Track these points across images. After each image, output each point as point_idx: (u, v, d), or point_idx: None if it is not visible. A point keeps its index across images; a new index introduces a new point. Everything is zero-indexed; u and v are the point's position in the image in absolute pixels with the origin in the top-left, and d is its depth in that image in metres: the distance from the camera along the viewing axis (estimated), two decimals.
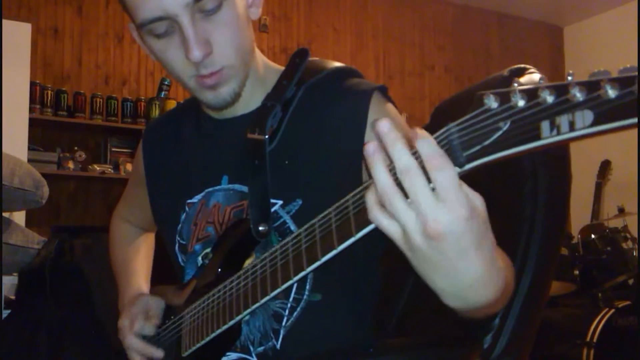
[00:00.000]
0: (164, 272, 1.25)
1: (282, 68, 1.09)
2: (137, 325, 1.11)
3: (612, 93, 0.48)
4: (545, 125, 0.52)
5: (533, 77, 1.04)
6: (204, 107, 1.11)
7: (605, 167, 4.77)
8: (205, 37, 0.94)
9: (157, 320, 1.12)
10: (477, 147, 0.57)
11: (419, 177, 0.58)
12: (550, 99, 0.52)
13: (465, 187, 0.60)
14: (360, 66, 1.04)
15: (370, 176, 0.62)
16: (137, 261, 1.31)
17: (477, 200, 0.61)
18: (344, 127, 1.00)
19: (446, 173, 0.58)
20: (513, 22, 6.10)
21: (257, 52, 1.09)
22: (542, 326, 1.06)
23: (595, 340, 3.18)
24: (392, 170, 0.60)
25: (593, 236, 3.75)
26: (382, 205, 0.62)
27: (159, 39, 0.96)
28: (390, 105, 1.04)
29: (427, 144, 0.58)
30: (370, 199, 0.63)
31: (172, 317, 1.10)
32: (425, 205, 0.58)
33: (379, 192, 0.61)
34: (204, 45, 0.94)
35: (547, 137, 0.52)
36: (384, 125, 0.60)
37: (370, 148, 0.61)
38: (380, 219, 0.62)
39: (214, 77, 0.97)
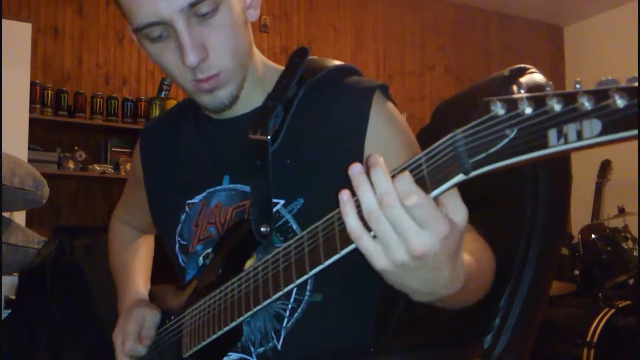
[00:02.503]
0: (165, 272, 1.24)
1: (282, 68, 1.09)
2: (127, 346, 1.10)
3: (620, 103, 0.48)
4: (552, 133, 0.52)
5: (534, 77, 1.04)
6: (203, 108, 1.11)
7: (605, 167, 4.77)
8: (200, 42, 0.94)
9: (149, 340, 1.11)
10: (484, 155, 0.57)
11: (396, 205, 0.62)
12: (557, 107, 0.51)
13: (450, 199, 0.64)
14: (361, 66, 1.04)
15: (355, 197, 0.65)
16: (136, 264, 1.30)
17: (458, 215, 0.65)
18: (346, 126, 1.00)
19: (422, 208, 0.61)
20: (513, 22, 6.10)
21: (257, 52, 1.09)
22: (542, 326, 1.06)
23: (595, 340, 3.18)
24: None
25: (593, 236, 3.74)
26: (365, 227, 0.65)
27: (155, 43, 0.96)
28: (391, 104, 1.03)
29: (402, 182, 0.62)
30: (352, 223, 0.66)
31: (172, 318, 1.09)
32: (407, 230, 0.62)
33: (366, 212, 0.64)
34: (199, 49, 0.93)
35: (555, 146, 0.52)
36: (372, 158, 0.64)
37: (355, 170, 0.65)
38: (362, 240, 0.66)
39: (210, 81, 0.97)
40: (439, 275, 0.67)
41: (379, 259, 0.66)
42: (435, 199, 0.63)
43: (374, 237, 0.65)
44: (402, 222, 0.62)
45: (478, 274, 0.81)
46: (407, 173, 0.62)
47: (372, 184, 0.63)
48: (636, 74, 0.48)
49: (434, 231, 0.62)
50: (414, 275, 0.67)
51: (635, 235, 3.81)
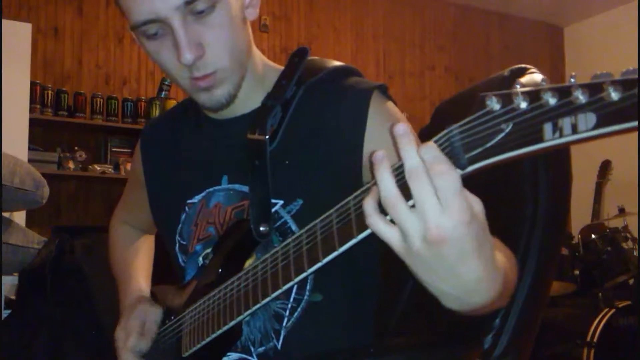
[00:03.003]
0: (165, 272, 1.25)
1: (282, 68, 1.09)
2: (131, 342, 1.10)
3: (614, 95, 0.48)
4: (547, 127, 0.52)
5: (534, 77, 1.04)
6: (202, 107, 1.11)
7: (605, 167, 4.76)
8: (197, 40, 0.93)
9: (152, 335, 1.11)
10: (479, 150, 0.57)
11: (425, 180, 0.59)
12: (552, 101, 0.51)
13: (466, 192, 0.61)
14: (361, 66, 1.04)
15: (374, 181, 0.63)
16: (137, 263, 1.30)
17: (477, 204, 0.62)
18: (344, 126, 1.00)
19: (449, 178, 0.58)
20: (513, 22, 6.10)
21: (256, 51, 1.08)
22: (542, 326, 1.06)
23: (595, 340, 3.18)
24: (397, 177, 0.62)
25: (593, 236, 3.74)
26: (381, 212, 0.63)
27: (152, 40, 0.96)
28: (390, 104, 1.03)
29: (430, 150, 0.59)
30: (369, 204, 0.64)
31: (172, 318, 1.09)
32: (430, 209, 0.59)
33: (383, 196, 0.61)
34: (195, 48, 0.93)
35: (550, 140, 0.52)
36: (399, 128, 0.61)
37: (380, 155, 0.62)
38: (379, 225, 0.63)
39: (207, 80, 0.97)
40: (464, 270, 0.63)
41: (395, 244, 0.63)
42: None
43: (392, 221, 0.63)
44: (425, 199, 0.59)
45: (513, 278, 0.76)
46: (433, 145, 0.60)
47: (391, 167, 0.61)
48: (630, 67, 0.48)
49: (455, 213, 0.59)
50: (435, 269, 0.63)
51: (635, 235, 3.81)
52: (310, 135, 1.02)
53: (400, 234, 0.62)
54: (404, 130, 0.61)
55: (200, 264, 1.09)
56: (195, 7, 0.92)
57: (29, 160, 3.57)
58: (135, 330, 1.11)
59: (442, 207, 0.59)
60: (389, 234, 0.63)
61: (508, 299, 0.79)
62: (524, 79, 1.04)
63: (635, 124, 0.48)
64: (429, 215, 0.59)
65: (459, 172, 0.59)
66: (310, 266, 0.76)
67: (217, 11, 0.94)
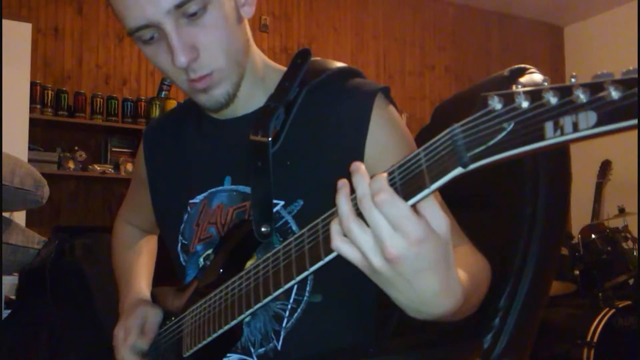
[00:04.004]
0: (166, 272, 1.25)
1: (283, 68, 1.09)
2: (130, 340, 1.10)
3: (615, 94, 0.48)
4: (549, 126, 0.52)
5: (534, 77, 1.04)
6: (202, 107, 1.11)
7: (605, 167, 4.77)
8: (190, 43, 0.94)
9: (152, 334, 1.11)
10: (482, 148, 0.57)
11: (372, 206, 0.64)
12: (553, 100, 0.52)
13: (429, 208, 0.64)
14: (361, 66, 1.04)
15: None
16: (139, 264, 1.30)
17: (437, 221, 0.65)
18: (347, 128, 1.00)
19: (392, 207, 0.63)
20: (513, 22, 6.10)
21: (257, 51, 1.09)
22: (542, 326, 1.06)
23: (595, 340, 3.18)
24: (354, 200, 0.66)
25: (593, 236, 3.74)
26: (344, 234, 0.67)
27: (149, 45, 0.97)
28: (392, 108, 1.04)
29: (375, 181, 0.64)
30: (334, 228, 0.68)
31: (173, 318, 1.09)
32: (382, 231, 0.64)
33: (340, 220, 0.66)
34: (189, 50, 0.93)
35: (551, 138, 0.52)
36: (353, 165, 0.67)
37: (340, 183, 0.68)
38: (341, 246, 0.67)
39: (203, 81, 0.97)
40: (419, 285, 0.66)
41: (358, 263, 0.67)
42: (416, 210, 0.65)
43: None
44: (377, 224, 0.63)
45: (475, 291, 0.80)
46: (383, 174, 0.64)
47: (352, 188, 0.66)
48: (631, 67, 0.49)
49: (407, 233, 0.63)
50: (394, 284, 0.67)
51: (635, 235, 3.82)
52: (313, 136, 1.02)
53: (360, 254, 0.66)
54: (357, 165, 0.67)
55: (201, 265, 1.09)
56: (186, 10, 0.92)
57: (29, 160, 3.57)
58: (135, 329, 1.11)
59: (394, 229, 0.63)
60: (351, 254, 0.67)
61: (470, 310, 0.82)
62: (523, 79, 1.05)
63: (635, 122, 0.48)
64: (383, 235, 0.64)
65: (461, 170, 0.60)
66: (311, 265, 0.76)
67: (209, 12, 0.94)
